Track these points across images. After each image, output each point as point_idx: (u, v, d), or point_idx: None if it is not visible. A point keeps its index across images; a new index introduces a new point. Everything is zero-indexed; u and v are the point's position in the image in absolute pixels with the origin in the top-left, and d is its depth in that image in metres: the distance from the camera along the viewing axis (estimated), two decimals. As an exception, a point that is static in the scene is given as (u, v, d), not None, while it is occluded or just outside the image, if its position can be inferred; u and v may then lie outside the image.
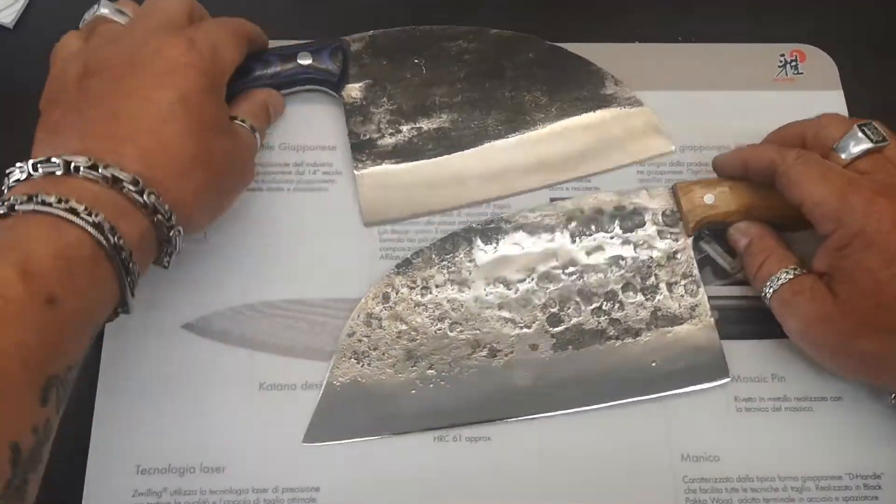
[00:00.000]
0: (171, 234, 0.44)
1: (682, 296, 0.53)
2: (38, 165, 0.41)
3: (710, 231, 0.56)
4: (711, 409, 0.52)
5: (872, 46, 0.65)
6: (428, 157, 0.58)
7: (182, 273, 0.53)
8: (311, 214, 0.57)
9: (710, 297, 0.54)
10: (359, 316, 0.53)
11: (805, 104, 0.60)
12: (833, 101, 0.62)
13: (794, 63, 0.63)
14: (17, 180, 0.42)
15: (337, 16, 0.65)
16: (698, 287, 0.54)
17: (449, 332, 0.52)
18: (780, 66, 0.63)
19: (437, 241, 0.55)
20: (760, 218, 0.54)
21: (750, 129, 0.59)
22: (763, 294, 0.51)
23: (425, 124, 0.59)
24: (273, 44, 0.59)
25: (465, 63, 0.61)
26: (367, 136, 0.58)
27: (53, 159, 0.41)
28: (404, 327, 0.53)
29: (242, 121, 0.52)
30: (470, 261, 0.54)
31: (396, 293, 0.53)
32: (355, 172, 0.57)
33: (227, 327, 0.53)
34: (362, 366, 0.52)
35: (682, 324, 0.53)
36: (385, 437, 0.51)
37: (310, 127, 0.59)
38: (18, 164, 0.42)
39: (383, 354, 0.52)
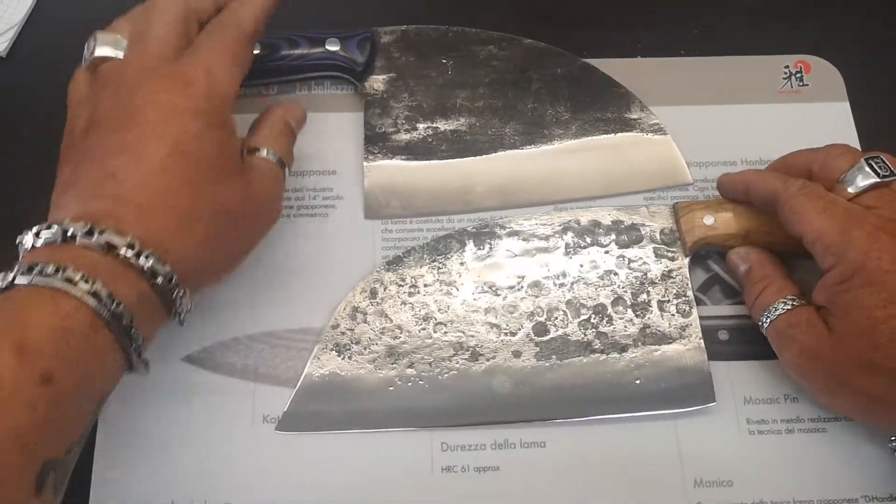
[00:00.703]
0: (174, 295, 0.42)
1: (674, 315, 0.52)
2: (42, 232, 0.41)
3: (718, 251, 0.55)
4: (723, 431, 0.51)
5: (878, 57, 0.64)
6: (439, 157, 0.58)
7: None
8: (311, 241, 0.56)
9: (719, 317, 0.54)
10: (344, 309, 0.52)
11: (811, 116, 0.60)
12: (839, 114, 0.61)
13: (798, 74, 0.62)
14: (27, 249, 0.41)
15: (381, 8, 0.66)
16: (691, 308, 0.53)
17: (433, 333, 0.52)
18: (784, 78, 0.62)
19: (430, 241, 0.55)
20: (761, 243, 0.53)
21: (755, 144, 0.59)
22: (760, 323, 0.50)
23: (442, 125, 0.59)
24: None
25: (492, 69, 0.61)
26: (383, 130, 0.58)
27: (53, 226, 0.40)
28: (389, 324, 0.52)
29: (263, 151, 0.49)
30: (461, 263, 0.54)
31: (384, 289, 0.53)
32: (364, 164, 0.57)
33: (229, 359, 0.52)
34: (343, 359, 0.51)
35: (670, 343, 0.52)
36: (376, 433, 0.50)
37: (313, 147, 0.59)
38: (29, 231, 0.41)
39: (365, 349, 0.52)
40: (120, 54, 0.47)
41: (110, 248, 0.40)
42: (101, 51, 0.47)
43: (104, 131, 0.44)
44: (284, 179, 0.50)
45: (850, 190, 0.48)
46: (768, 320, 0.49)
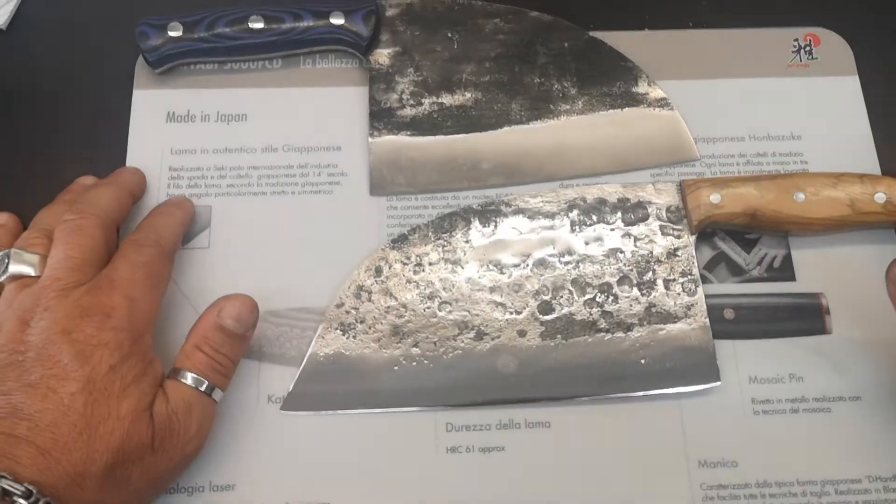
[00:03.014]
0: None
1: (679, 294, 0.52)
2: None
3: (724, 229, 0.55)
4: (728, 411, 0.51)
5: (889, 31, 0.63)
6: (445, 133, 0.58)
7: (184, 284, 0.53)
8: (316, 219, 0.55)
9: (725, 295, 0.54)
10: (349, 287, 0.52)
11: (819, 91, 0.60)
12: (848, 88, 0.60)
13: (808, 48, 0.61)
14: None
15: None
16: (696, 286, 0.52)
17: (438, 312, 0.52)
18: (794, 52, 0.61)
19: (436, 218, 0.54)
20: (768, 221, 0.53)
21: (763, 119, 0.58)
22: None
23: (448, 100, 0.58)
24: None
25: (498, 43, 0.60)
26: (388, 105, 0.58)
27: None
28: (393, 302, 0.52)
29: (184, 374, 0.46)
30: (466, 241, 0.54)
31: (389, 267, 0.53)
32: (369, 140, 0.57)
33: None
34: (347, 338, 0.51)
35: (675, 322, 0.52)
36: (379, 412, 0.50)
37: (318, 122, 0.58)
38: None
39: (369, 328, 0.52)
40: (33, 272, 0.46)
41: (5, 494, 0.38)
42: (16, 269, 0.46)
43: (15, 366, 0.42)
44: (212, 406, 0.47)
45: None
46: None
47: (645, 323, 0.52)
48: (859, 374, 0.52)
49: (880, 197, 0.53)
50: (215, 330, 0.47)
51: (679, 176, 0.57)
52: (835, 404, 0.51)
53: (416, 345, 0.51)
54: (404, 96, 0.58)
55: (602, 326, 0.52)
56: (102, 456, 0.41)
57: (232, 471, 0.49)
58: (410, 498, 0.49)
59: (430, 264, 0.53)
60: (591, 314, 0.52)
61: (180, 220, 0.52)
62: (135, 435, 0.42)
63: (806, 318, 0.53)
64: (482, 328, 0.52)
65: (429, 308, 0.52)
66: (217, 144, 0.57)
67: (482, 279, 0.53)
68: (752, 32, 0.62)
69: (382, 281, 0.53)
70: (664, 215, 0.54)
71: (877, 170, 0.57)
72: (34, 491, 0.38)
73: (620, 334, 0.52)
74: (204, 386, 0.46)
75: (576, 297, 0.52)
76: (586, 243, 0.54)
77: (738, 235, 0.55)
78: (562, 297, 0.52)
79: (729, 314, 0.53)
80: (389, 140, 0.57)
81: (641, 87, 0.59)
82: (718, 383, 0.51)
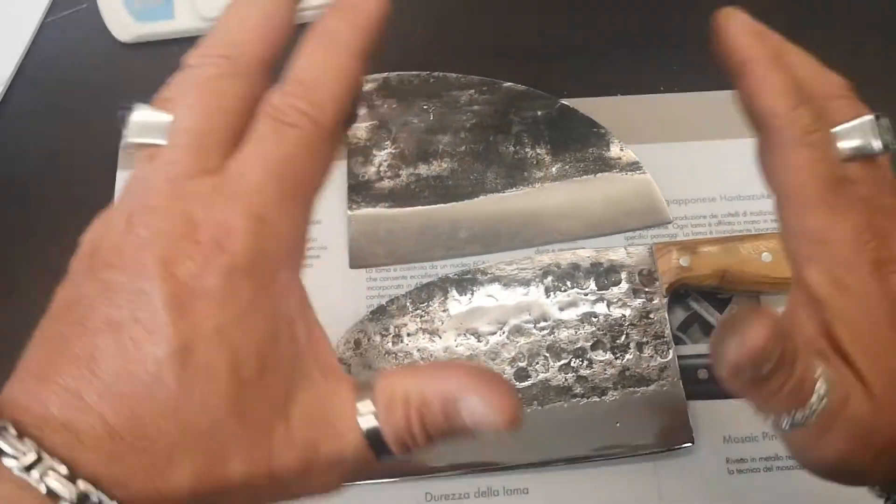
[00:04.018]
0: None
1: (652, 356, 0.53)
2: None
3: (695, 291, 0.56)
4: (703, 472, 0.52)
5: (856, 81, 0.63)
6: (423, 203, 0.59)
7: None
8: None
9: (698, 356, 0.55)
10: (329, 361, 0.54)
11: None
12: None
13: None
14: None
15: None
16: (669, 348, 0.53)
17: (416, 382, 0.53)
18: None
19: (414, 288, 0.56)
20: (737, 283, 0.54)
21: (736, 180, 0.59)
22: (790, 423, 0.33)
23: (425, 171, 0.60)
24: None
25: (473, 113, 0.62)
26: (366, 178, 0.60)
27: None
28: (373, 374, 0.53)
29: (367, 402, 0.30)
30: (443, 310, 0.55)
31: (368, 340, 0.54)
32: (348, 213, 0.58)
33: None
34: (328, 410, 0.52)
35: (649, 385, 0.53)
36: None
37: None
38: None
39: (349, 400, 0.53)
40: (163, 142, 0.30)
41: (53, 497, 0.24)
42: (136, 134, 0.30)
43: (99, 289, 0.28)
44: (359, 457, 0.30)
45: (842, 147, 0.33)
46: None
47: (619, 387, 0.53)
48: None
49: (846, 255, 0.53)
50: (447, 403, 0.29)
51: (652, 238, 0.58)
52: (809, 462, 0.52)
53: (395, 415, 0.52)
54: (382, 169, 0.60)
55: (577, 391, 0.53)
56: (191, 455, 0.27)
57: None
58: (392, 568, 0.50)
59: (409, 335, 0.54)
60: (566, 379, 0.53)
61: (355, 52, 0.31)
62: (255, 439, 0.28)
63: (779, 376, 0.54)
64: (460, 397, 0.53)
65: (407, 378, 0.53)
66: (200, 223, 0.59)
67: (459, 348, 0.54)
68: (723, 94, 0.63)
69: (361, 353, 0.54)
70: (636, 279, 0.55)
71: (846, 225, 0.58)
72: (92, 493, 0.25)
73: (595, 399, 0.53)
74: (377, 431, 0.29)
75: (551, 363, 0.53)
76: (561, 309, 0.55)
77: (711, 296, 0.56)
78: (537, 363, 0.54)
79: (703, 374, 0.54)
80: (368, 212, 0.59)
81: (614, 152, 0.61)
82: (692, 444, 0.51)
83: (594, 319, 0.54)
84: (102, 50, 0.65)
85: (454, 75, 0.63)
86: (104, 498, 0.25)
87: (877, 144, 0.33)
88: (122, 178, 0.60)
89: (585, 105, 0.62)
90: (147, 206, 0.28)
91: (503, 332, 0.54)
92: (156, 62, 0.65)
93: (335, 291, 0.57)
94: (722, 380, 0.32)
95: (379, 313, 0.55)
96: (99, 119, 0.61)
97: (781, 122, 0.33)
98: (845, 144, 0.33)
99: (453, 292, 0.56)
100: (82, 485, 0.25)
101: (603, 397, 0.53)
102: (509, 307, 0.55)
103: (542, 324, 0.54)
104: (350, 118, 0.34)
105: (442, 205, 0.59)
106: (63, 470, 0.25)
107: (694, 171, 0.61)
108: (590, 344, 0.54)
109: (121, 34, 0.65)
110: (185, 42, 0.64)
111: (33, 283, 0.55)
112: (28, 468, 0.24)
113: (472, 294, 0.55)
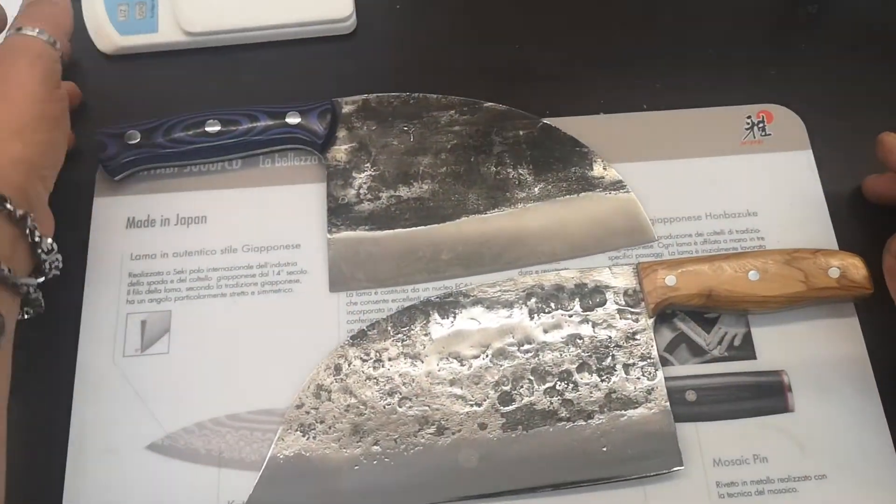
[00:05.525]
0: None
1: (639, 378, 0.52)
2: None
3: (682, 310, 0.55)
4: (692, 496, 0.51)
5: (839, 104, 0.63)
6: (403, 226, 0.58)
7: (143, 391, 0.53)
8: (276, 318, 0.56)
9: (686, 377, 0.53)
10: (309, 387, 0.52)
11: (774, 166, 0.60)
12: (802, 162, 0.61)
13: (761, 125, 0.62)
14: None
15: (342, 77, 0.65)
16: (656, 370, 0.52)
17: (398, 408, 0.52)
18: (747, 129, 0.62)
19: (395, 312, 0.55)
20: (722, 302, 0.53)
21: (719, 197, 0.59)
22: None
23: (405, 193, 0.59)
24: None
25: (454, 134, 0.61)
26: (346, 201, 0.59)
27: None
28: (353, 400, 0.52)
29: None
30: (425, 334, 0.54)
31: (349, 365, 0.53)
32: (328, 236, 0.57)
33: (193, 445, 0.52)
34: (308, 439, 0.51)
35: (636, 407, 0.52)
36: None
37: (277, 221, 0.59)
38: None
39: (329, 428, 0.51)
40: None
41: None
42: None
43: None
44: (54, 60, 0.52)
45: None
46: None
47: (605, 410, 0.52)
48: (824, 452, 0.51)
49: (834, 272, 0.53)
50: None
51: (637, 258, 0.57)
52: (800, 484, 0.51)
53: (376, 443, 0.51)
54: (362, 191, 0.59)
55: (563, 415, 0.52)
56: None
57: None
58: None
59: (390, 359, 0.53)
60: (551, 403, 0.52)
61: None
62: None
63: (768, 396, 0.53)
64: (442, 422, 0.51)
65: (389, 404, 0.52)
66: (177, 248, 0.58)
67: (442, 372, 0.53)
68: (706, 112, 0.63)
69: (342, 379, 0.53)
70: (622, 299, 0.54)
71: (833, 241, 0.57)
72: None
73: (581, 422, 0.51)
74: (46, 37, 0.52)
75: (536, 387, 0.52)
76: (545, 331, 0.54)
77: (698, 315, 0.56)
78: (522, 387, 0.52)
79: (691, 396, 0.53)
80: (348, 236, 0.58)
81: (597, 171, 0.60)
82: (682, 467, 0.50)
83: (579, 341, 0.53)
84: (87, 62, 0.65)
85: (434, 96, 0.62)
86: None
87: None
88: (98, 203, 0.59)
89: (568, 124, 0.62)
90: None
91: (486, 356, 0.53)
92: (140, 75, 0.64)
93: (315, 315, 0.56)
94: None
95: (360, 337, 0.54)
96: (83, 130, 0.61)
97: None
98: None
99: (435, 316, 0.54)
100: None
101: (589, 421, 0.51)
102: (492, 330, 0.54)
103: (527, 346, 0.53)
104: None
105: (423, 227, 0.58)
106: None
107: (678, 189, 0.60)
108: (575, 366, 0.53)
109: (105, 47, 0.65)
110: (169, 55, 0.64)
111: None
112: None
113: (455, 317, 0.54)
